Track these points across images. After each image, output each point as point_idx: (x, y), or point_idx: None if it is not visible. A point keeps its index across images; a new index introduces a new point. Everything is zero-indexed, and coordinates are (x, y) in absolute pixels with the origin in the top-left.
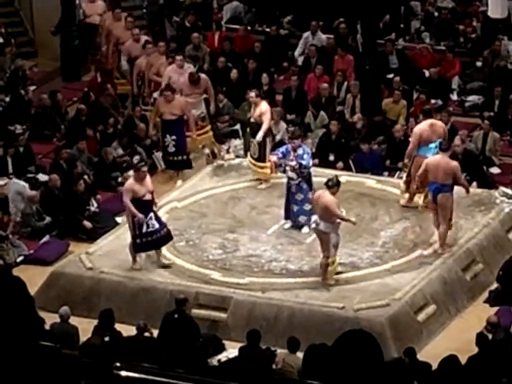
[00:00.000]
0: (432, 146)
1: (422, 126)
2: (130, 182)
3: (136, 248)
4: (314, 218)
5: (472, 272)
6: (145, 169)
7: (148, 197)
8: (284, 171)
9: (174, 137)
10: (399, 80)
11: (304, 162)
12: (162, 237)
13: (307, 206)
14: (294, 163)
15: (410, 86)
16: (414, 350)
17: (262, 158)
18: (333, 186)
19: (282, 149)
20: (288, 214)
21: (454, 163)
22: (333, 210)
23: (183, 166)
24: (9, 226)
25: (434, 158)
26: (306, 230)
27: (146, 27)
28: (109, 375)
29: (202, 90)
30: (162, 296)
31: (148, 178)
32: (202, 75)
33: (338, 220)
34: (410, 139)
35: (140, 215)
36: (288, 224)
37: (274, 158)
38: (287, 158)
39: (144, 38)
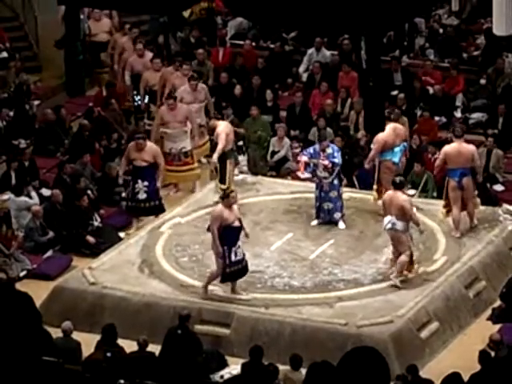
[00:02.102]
0: (397, 149)
1: (387, 132)
2: (220, 209)
3: (224, 278)
4: (389, 218)
5: (475, 289)
6: (233, 194)
7: (237, 223)
8: (313, 171)
9: (145, 183)
10: (403, 97)
11: (336, 161)
12: (245, 266)
13: (339, 203)
14: (326, 162)
15: (414, 103)
16: (416, 367)
17: (222, 179)
18: (403, 185)
19: (310, 149)
20: (318, 213)
21: (472, 146)
22: (408, 211)
23: (156, 211)
24: (13, 243)
25: (451, 146)
26: (342, 225)
27: (150, 42)
28: None
29: (203, 97)
30: (166, 312)
31: (235, 204)
32: (202, 84)
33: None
34: (372, 146)
35: (221, 249)
36: (315, 221)
37: (304, 158)
38: (317, 158)
39: (148, 53)
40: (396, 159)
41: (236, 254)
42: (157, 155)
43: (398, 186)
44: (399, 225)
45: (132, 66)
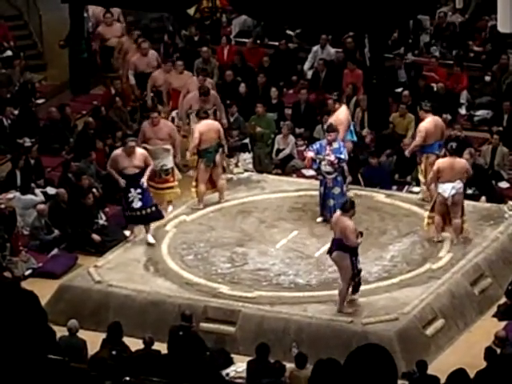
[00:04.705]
0: (352, 128)
1: (345, 113)
2: (351, 222)
3: (355, 288)
4: (451, 184)
5: (480, 286)
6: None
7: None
8: (318, 168)
9: (138, 190)
10: (408, 94)
11: (342, 156)
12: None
13: (343, 199)
14: (332, 158)
15: (419, 100)
16: (425, 363)
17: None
18: (457, 151)
19: (316, 145)
20: (322, 211)
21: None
22: (470, 171)
23: (153, 218)
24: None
25: (427, 121)
26: None
27: (156, 41)
28: None
29: (211, 105)
30: (171, 310)
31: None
32: (212, 91)
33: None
34: (340, 128)
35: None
36: (320, 218)
37: (311, 154)
38: (323, 153)
39: (152, 52)
40: (355, 138)
41: (359, 263)
42: (147, 157)
43: (455, 152)
44: (462, 187)
45: (135, 65)
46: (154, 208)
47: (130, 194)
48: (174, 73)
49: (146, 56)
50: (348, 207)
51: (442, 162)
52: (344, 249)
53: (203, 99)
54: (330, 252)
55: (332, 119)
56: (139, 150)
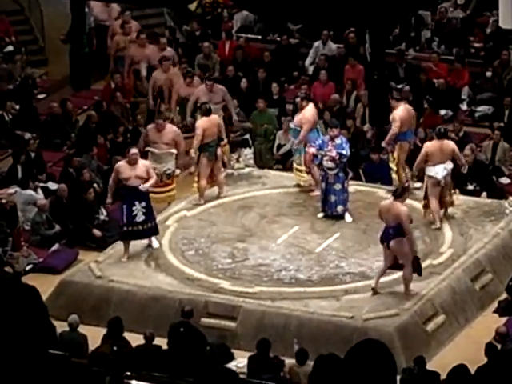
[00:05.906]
0: (318, 127)
1: (313, 111)
2: (405, 207)
3: (420, 270)
4: (442, 166)
5: (481, 282)
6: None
7: None
8: (320, 164)
9: (143, 203)
10: (409, 90)
11: (344, 152)
12: None
13: (343, 196)
14: (334, 154)
15: (420, 96)
16: (423, 358)
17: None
18: (447, 134)
19: (318, 141)
20: (324, 206)
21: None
22: (459, 153)
23: (150, 233)
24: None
25: (401, 109)
26: (348, 219)
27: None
28: None
29: (220, 98)
30: (172, 305)
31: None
32: (219, 85)
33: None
34: (304, 126)
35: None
36: (321, 214)
37: (312, 150)
38: (325, 149)
39: (169, 49)
40: (321, 136)
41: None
42: (149, 169)
43: (443, 135)
44: (452, 167)
45: (149, 59)
46: (153, 223)
47: (134, 208)
48: (161, 70)
49: (162, 51)
50: (400, 192)
51: (430, 146)
52: (401, 233)
53: (209, 87)
54: (383, 241)
55: (299, 117)
56: (142, 161)
